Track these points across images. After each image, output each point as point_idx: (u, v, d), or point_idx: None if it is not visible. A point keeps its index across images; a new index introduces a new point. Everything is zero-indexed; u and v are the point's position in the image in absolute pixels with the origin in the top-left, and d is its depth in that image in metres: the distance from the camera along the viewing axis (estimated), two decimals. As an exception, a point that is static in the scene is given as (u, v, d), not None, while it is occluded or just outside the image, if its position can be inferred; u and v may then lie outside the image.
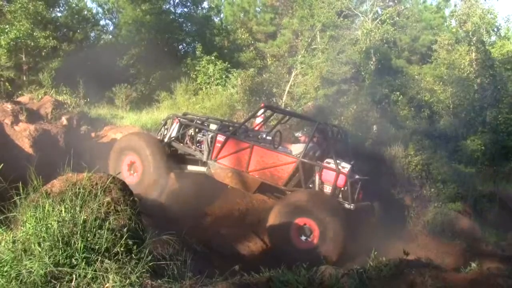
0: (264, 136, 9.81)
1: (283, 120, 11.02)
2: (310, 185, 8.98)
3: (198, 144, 9.68)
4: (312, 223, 8.27)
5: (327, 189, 8.83)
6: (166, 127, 10.22)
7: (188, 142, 9.81)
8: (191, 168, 9.79)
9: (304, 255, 7.48)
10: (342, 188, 8.84)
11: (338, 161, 8.83)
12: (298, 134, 9.83)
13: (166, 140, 9.78)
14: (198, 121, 10.08)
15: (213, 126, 9.65)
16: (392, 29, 23.41)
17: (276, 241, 8.36)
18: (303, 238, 8.34)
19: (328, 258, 7.56)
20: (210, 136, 9.36)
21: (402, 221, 11.20)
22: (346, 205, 8.65)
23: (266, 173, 8.96)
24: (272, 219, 8.38)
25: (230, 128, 9.60)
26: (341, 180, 8.73)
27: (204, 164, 9.47)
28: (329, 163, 8.92)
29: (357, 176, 9.24)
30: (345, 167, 8.87)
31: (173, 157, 9.69)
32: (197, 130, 9.73)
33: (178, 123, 9.90)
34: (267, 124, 11.31)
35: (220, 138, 9.18)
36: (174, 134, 9.85)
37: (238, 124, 10.25)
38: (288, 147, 9.46)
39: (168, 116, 10.68)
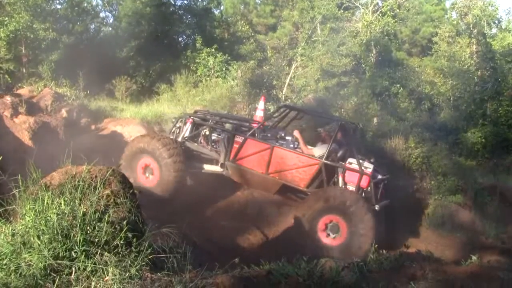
0: (282, 135, 9.49)
1: (298, 116, 10.67)
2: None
3: (213, 144, 9.44)
4: (340, 220, 8.15)
5: (350, 189, 8.62)
6: (177, 126, 9.85)
7: (202, 141, 9.55)
8: (207, 167, 9.48)
9: (329, 252, 7.52)
10: (365, 189, 8.66)
11: (360, 161, 8.68)
12: (320, 129, 9.62)
13: (179, 140, 9.44)
14: (212, 120, 9.74)
15: (228, 126, 9.37)
16: (393, 21, 23.29)
17: (302, 236, 8.18)
18: (332, 235, 8.21)
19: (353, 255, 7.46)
20: (226, 136, 9.15)
21: (402, 214, 11.20)
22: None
23: (287, 174, 8.77)
24: (300, 214, 8.27)
25: (244, 129, 9.30)
26: (365, 181, 8.58)
27: (221, 164, 9.25)
28: (351, 163, 8.73)
29: (379, 176, 9.07)
30: (368, 167, 8.70)
31: (188, 156, 9.33)
32: (211, 129, 9.47)
33: (192, 123, 9.58)
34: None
35: (238, 139, 8.98)
36: (187, 134, 9.54)
37: (250, 120, 10.05)
38: (304, 148, 9.10)
39: (180, 115, 10.41)
